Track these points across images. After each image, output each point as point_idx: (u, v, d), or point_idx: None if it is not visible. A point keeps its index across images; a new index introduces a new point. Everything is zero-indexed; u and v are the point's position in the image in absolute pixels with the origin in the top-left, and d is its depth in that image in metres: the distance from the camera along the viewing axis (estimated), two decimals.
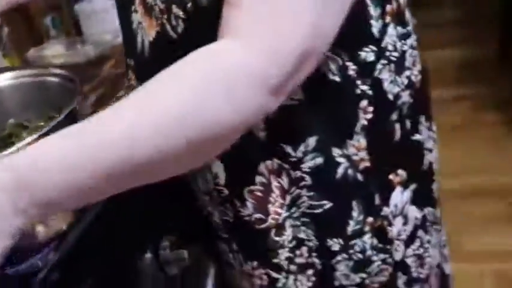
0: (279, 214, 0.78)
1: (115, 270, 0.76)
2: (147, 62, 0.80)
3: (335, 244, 0.80)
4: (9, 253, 0.57)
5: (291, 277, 0.82)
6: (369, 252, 0.82)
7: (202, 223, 0.87)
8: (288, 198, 0.78)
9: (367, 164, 0.78)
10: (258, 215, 0.78)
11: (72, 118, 0.76)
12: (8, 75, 0.91)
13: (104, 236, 0.77)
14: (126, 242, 0.80)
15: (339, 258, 0.81)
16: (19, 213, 0.56)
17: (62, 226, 0.76)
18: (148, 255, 0.83)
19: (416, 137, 0.84)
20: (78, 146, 0.57)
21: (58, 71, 0.89)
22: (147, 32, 0.78)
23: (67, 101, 0.82)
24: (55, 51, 1.36)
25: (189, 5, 0.70)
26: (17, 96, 0.91)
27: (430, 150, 0.88)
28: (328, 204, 0.78)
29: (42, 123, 0.89)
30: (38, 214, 0.57)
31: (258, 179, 0.77)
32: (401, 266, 0.86)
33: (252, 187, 0.77)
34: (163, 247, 0.85)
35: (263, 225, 0.79)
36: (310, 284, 0.83)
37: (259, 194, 0.77)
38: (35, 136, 0.70)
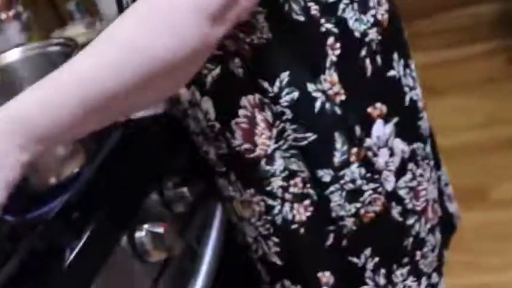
0: (267, 145, 0.84)
1: (124, 209, 0.83)
2: None
3: (326, 175, 0.85)
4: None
5: (287, 205, 0.87)
6: (359, 182, 0.87)
7: (201, 164, 0.93)
8: (274, 131, 0.83)
9: (343, 97, 0.83)
10: (246, 145, 0.84)
11: None
12: (16, 50, 0.99)
13: (110, 180, 0.84)
14: (132, 184, 0.87)
15: (332, 188, 0.86)
16: (23, 149, 0.64)
17: (72, 170, 0.84)
18: (154, 195, 0.90)
19: (391, 73, 0.88)
20: (55, 87, 0.65)
21: (58, 40, 0.97)
22: None
23: None
24: (76, 31, 1.42)
25: None
26: (25, 69, 0.98)
27: (411, 88, 0.92)
28: (311, 137, 0.83)
29: None
30: (39, 149, 0.65)
31: (241, 112, 0.83)
32: (393, 197, 0.90)
33: (237, 119, 0.83)
34: (167, 187, 0.92)
35: (252, 155, 0.84)
36: (308, 213, 0.88)
37: (244, 126, 0.83)
38: None
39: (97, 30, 1.42)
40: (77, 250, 0.73)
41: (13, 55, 0.98)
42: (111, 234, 0.80)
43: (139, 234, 0.81)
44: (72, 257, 0.73)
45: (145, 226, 0.81)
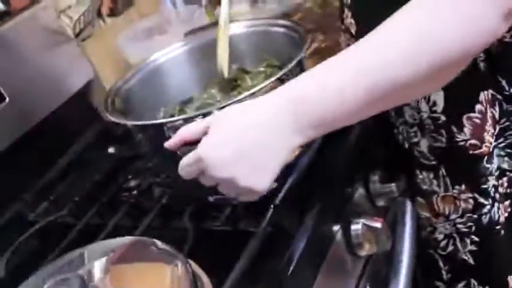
0: (491, 143, 0.82)
1: (330, 201, 0.83)
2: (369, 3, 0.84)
3: None
4: None
5: (496, 205, 0.86)
6: None
7: (402, 157, 0.92)
8: (498, 128, 0.82)
9: None
10: (473, 141, 0.82)
11: (300, 67, 0.83)
12: (242, 24, 1.00)
13: (319, 174, 0.84)
14: (339, 178, 0.86)
15: None
16: (299, 132, 0.64)
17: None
18: (360, 189, 0.90)
19: None
20: (340, 73, 0.63)
21: (284, 22, 0.95)
22: None
23: (290, 50, 0.88)
24: (240, 8, 1.42)
25: None
26: (245, 43, 0.99)
27: None
28: None
29: (262, 69, 0.96)
30: (313, 134, 0.65)
31: (478, 107, 0.81)
32: None
33: (471, 114, 0.81)
34: (372, 181, 0.91)
35: (477, 151, 0.83)
36: (506, 214, 0.87)
37: (477, 121, 0.81)
38: (266, 82, 0.77)
39: (263, 11, 1.42)
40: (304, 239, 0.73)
41: (238, 28, 0.98)
42: (328, 226, 0.80)
43: (355, 227, 0.81)
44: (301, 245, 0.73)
45: (362, 220, 0.81)
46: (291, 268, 0.71)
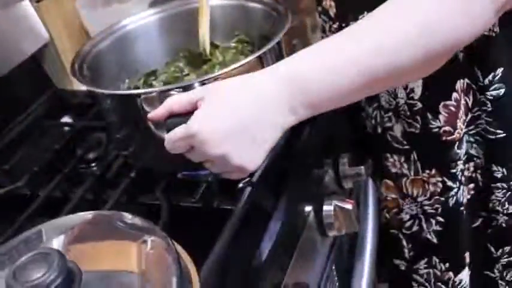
0: (462, 129, 0.85)
1: (302, 182, 0.83)
2: None
3: (498, 172, 0.87)
4: None
5: (462, 187, 0.89)
6: None
7: (371, 141, 0.94)
8: (469, 116, 0.85)
9: None
10: (447, 128, 0.85)
11: (279, 46, 0.82)
12: None
13: (292, 156, 0.84)
14: (311, 161, 0.87)
15: (498, 185, 0.88)
16: (292, 111, 0.63)
17: None
18: (330, 171, 0.90)
19: None
20: (337, 55, 0.63)
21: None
22: None
23: (264, 27, 0.88)
24: None
25: None
26: (218, 16, 0.95)
27: None
28: (502, 134, 0.84)
29: (233, 44, 0.95)
30: (305, 114, 0.64)
31: (454, 95, 0.83)
32: None
33: (447, 102, 0.83)
34: (342, 163, 0.92)
35: (450, 137, 0.85)
36: (469, 196, 0.91)
37: (452, 108, 0.83)
38: (247, 59, 0.76)
39: None
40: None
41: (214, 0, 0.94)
42: (302, 206, 0.80)
43: (327, 208, 0.82)
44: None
45: (334, 201, 0.82)
46: (269, 248, 0.70)
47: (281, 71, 0.64)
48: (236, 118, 0.63)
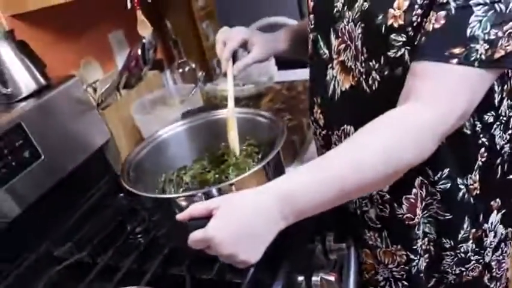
0: (419, 215, 0.85)
1: (297, 255, 0.83)
2: (337, 105, 0.85)
3: (447, 243, 0.87)
4: None
5: (420, 258, 0.89)
6: (469, 254, 0.89)
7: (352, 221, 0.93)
8: (424, 203, 0.85)
9: (478, 191, 0.84)
10: (409, 215, 0.85)
11: (278, 155, 0.84)
12: (236, 110, 0.96)
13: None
14: (304, 239, 0.87)
15: (447, 253, 0.88)
16: (284, 219, 0.65)
17: None
18: (319, 246, 0.90)
19: (511, 177, 0.88)
20: (320, 179, 0.64)
21: (269, 115, 0.95)
22: (341, 83, 0.83)
23: (269, 136, 0.90)
24: (225, 87, 1.42)
25: (387, 72, 0.76)
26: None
27: None
28: (448, 216, 0.85)
29: (244, 147, 0.95)
30: (294, 220, 0.65)
31: (414, 190, 0.83)
32: (488, 267, 0.92)
33: (408, 196, 0.84)
34: (328, 240, 0.91)
35: (411, 222, 0.85)
36: (425, 264, 0.90)
37: (412, 200, 0.84)
38: (248, 172, 0.78)
39: (244, 90, 1.42)
40: None
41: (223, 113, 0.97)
42: (295, 277, 0.79)
43: (315, 279, 0.81)
44: None
45: (321, 274, 0.81)
46: None
47: (274, 190, 0.65)
48: (242, 228, 0.64)
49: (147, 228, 0.98)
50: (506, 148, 0.85)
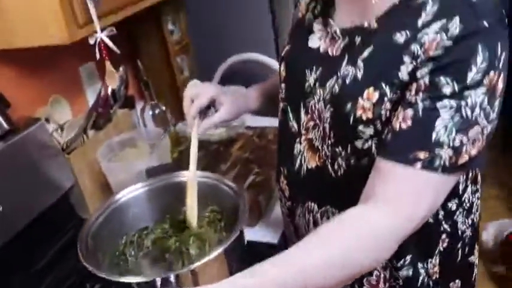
0: None
1: None
2: (302, 181, 0.84)
3: None
4: None
5: None
6: None
7: None
8: (387, 284, 0.85)
9: (437, 275, 0.85)
10: None
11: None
12: (198, 173, 0.95)
13: None
14: None
15: None
16: None
17: None
18: None
19: (471, 258, 0.89)
20: (275, 280, 0.63)
21: (232, 184, 0.93)
22: (307, 160, 0.83)
23: (231, 204, 0.89)
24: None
25: (353, 161, 0.75)
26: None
27: (476, 266, 0.93)
28: None
29: (207, 214, 0.95)
30: None
31: (375, 272, 0.84)
32: None
33: (369, 277, 0.84)
34: None
35: None
36: None
37: (373, 282, 0.85)
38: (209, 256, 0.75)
39: (216, 134, 1.40)
40: None
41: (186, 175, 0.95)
42: None
43: None
44: None
45: None
46: None
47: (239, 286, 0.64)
48: None
49: None
50: (468, 232, 0.86)
